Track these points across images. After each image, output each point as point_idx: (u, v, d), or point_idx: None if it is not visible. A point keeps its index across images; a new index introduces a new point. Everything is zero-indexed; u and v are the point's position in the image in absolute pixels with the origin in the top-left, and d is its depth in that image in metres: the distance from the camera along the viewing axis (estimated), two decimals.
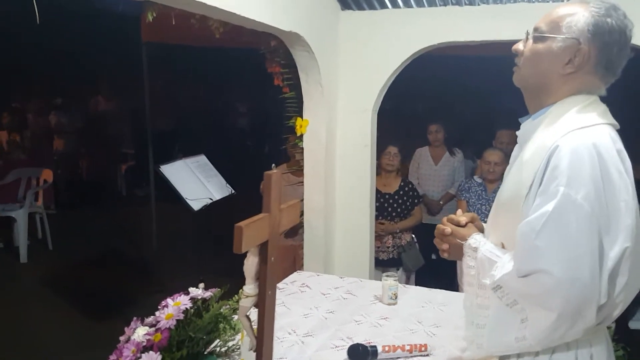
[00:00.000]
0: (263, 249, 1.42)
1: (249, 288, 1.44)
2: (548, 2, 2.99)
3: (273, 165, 1.46)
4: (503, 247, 1.40)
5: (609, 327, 2.01)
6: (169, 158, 4.10)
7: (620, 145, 1.31)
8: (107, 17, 5.97)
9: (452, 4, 3.19)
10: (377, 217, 3.91)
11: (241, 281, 1.46)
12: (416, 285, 3.82)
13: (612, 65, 1.35)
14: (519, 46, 1.43)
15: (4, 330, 4.18)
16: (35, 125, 8.45)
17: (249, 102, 10.81)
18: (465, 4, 3.16)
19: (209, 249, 4.20)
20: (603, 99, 1.41)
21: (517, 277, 1.25)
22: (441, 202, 4.66)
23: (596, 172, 1.22)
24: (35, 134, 8.26)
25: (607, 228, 1.23)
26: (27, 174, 6.46)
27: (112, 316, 4.20)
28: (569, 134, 1.27)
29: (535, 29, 1.40)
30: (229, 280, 1.92)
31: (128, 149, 9.53)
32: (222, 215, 3.08)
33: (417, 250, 4.12)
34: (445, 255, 1.54)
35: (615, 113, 1.40)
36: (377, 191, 3.95)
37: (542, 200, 1.24)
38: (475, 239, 1.44)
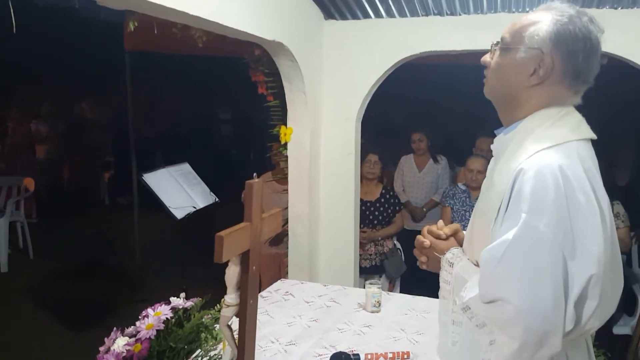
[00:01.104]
0: (244, 259, 1.41)
1: (230, 297, 1.44)
2: (528, 12, 3.02)
3: (254, 174, 1.46)
4: (478, 264, 1.34)
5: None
6: (152, 166, 4.08)
7: (589, 162, 1.25)
8: (89, 25, 5.95)
9: (434, 14, 3.22)
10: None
11: (224, 289, 1.46)
12: (401, 292, 3.84)
13: (580, 73, 1.28)
14: (486, 58, 1.40)
15: None
16: (17, 134, 8.34)
17: (232, 110, 10.81)
18: (447, 14, 3.20)
19: (192, 257, 4.18)
20: (582, 109, 1.36)
21: (481, 302, 1.22)
22: (424, 209, 4.68)
23: (560, 197, 1.15)
24: (16, 142, 8.16)
25: (573, 254, 1.16)
26: (8, 182, 6.39)
27: (94, 326, 4.14)
28: (534, 155, 1.21)
29: (501, 40, 1.36)
30: (212, 289, 1.91)
31: (111, 157, 9.46)
32: (206, 224, 3.07)
33: (400, 257, 4.14)
34: (423, 267, 1.52)
35: (597, 123, 1.35)
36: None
37: (506, 227, 1.19)
38: (452, 254, 1.41)
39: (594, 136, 1.31)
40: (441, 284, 1.42)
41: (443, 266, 1.42)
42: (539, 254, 1.14)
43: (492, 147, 1.42)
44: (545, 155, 1.20)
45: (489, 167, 1.43)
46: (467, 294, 1.27)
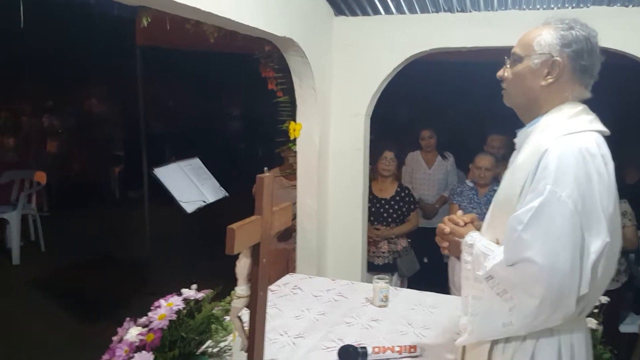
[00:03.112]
0: (255, 251, 1.44)
1: (241, 289, 1.47)
2: (538, 9, 3.03)
3: (265, 168, 1.49)
4: (498, 243, 1.50)
5: (596, 330, 2.07)
6: (163, 161, 4.10)
7: (605, 150, 1.42)
8: (102, 20, 5.97)
9: (444, 10, 3.23)
10: (372, 223, 3.90)
11: (234, 282, 1.49)
12: (408, 288, 3.85)
13: (587, 68, 1.49)
14: (501, 72, 1.59)
15: None
16: (29, 127, 8.43)
17: (242, 106, 10.84)
18: (457, 11, 3.20)
19: (202, 251, 4.21)
20: (594, 105, 1.51)
21: (505, 266, 1.38)
22: (437, 206, 4.67)
23: (580, 173, 1.34)
24: (28, 136, 8.25)
25: (589, 225, 1.34)
26: (20, 175, 6.46)
27: (105, 318, 4.19)
28: (558, 139, 1.39)
29: (512, 54, 1.56)
30: (222, 281, 1.94)
31: (121, 151, 9.53)
32: (215, 218, 3.10)
33: (413, 255, 4.07)
34: (445, 252, 1.67)
35: (608, 120, 1.49)
36: (373, 196, 3.95)
37: (531, 197, 1.36)
38: (471, 237, 1.56)
39: (607, 132, 1.48)
40: (462, 265, 1.56)
41: (463, 248, 1.56)
42: (561, 221, 1.32)
43: (515, 140, 1.59)
44: (568, 139, 1.39)
45: (511, 159, 1.58)
46: (490, 262, 1.43)
